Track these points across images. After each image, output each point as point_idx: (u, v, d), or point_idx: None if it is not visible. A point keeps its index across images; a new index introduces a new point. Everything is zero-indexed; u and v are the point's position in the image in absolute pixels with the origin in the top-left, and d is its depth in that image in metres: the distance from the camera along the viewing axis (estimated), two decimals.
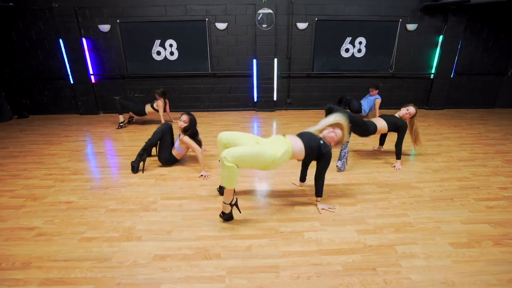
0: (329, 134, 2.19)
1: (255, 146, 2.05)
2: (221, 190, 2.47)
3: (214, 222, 2.08)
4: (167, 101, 4.99)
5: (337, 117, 2.21)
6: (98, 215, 2.18)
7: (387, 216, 2.16)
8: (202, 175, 2.85)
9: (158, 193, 2.51)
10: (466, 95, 6.42)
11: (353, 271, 1.61)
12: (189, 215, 2.18)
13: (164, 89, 4.94)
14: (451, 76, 6.14)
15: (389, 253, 1.76)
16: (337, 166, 2.97)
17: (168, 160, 3.10)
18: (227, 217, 2.05)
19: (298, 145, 2.10)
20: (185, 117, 2.91)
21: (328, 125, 2.22)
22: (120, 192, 2.56)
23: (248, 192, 2.54)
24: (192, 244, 1.84)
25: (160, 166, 3.11)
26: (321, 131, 2.24)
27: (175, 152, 3.10)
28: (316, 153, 2.13)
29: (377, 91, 5.13)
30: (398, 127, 3.14)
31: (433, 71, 6.10)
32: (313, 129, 2.25)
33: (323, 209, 2.23)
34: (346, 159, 3.01)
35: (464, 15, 5.61)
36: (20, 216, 2.17)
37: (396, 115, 3.23)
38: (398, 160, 3.11)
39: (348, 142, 2.96)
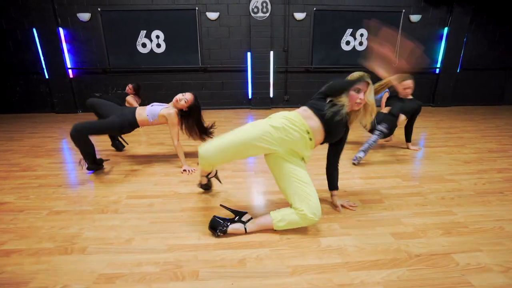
0: (356, 100, 1.43)
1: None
2: (202, 186, 1.89)
3: (194, 226, 1.51)
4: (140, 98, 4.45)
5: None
6: (34, 220, 1.58)
7: (428, 215, 1.62)
8: (185, 170, 2.29)
9: (125, 191, 1.93)
10: (472, 92, 6.04)
11: None
12: (161, 217, 1.60)
13: (139, 84, 4.41)
14: (457, 71, 5.77)
15: (447, 265, 1.21)
16: (359, 157, 2.41)
17: (124, 126, 2.28)
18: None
19: (316, 126, 1.43)
20: (189, 96, 2.28)
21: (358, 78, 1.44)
22: (75, 190, 1.97)
23: (242, 188, 1.98)
24: (159, 257, 1.25)
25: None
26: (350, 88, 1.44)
27: (141, 115, 2.32)
28: (340, 132, 1.50)
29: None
30: (417, 108, 2.74)
31: (438, 65, 5.73)
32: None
33: (342, 205, 1.68)
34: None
35: (470, 5, 5.30)
36: None
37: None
38: (408, 143, 2.92)
39: (382, 132, 2.47)
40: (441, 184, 2.06)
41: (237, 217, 1.45)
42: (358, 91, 1.44)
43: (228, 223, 1.40)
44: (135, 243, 1.36)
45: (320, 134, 1.45)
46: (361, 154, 2.42)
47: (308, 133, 1.41)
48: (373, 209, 1.69)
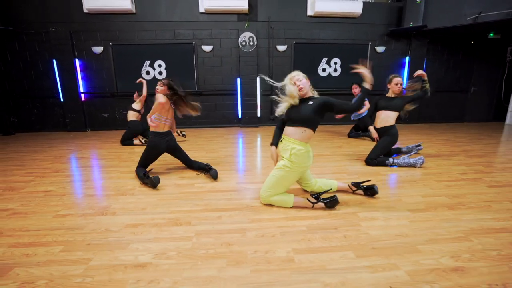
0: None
1: None
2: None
3: (190, 201, 2.16)
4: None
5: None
6: (75, 199, 2.22)
7: (354, 195, 2.29)
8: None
9: (137, 183, 2.58)
10: (437, 111, 6.90)
11: (316, 230, 1.71)
12: (165, 197, 2.25)
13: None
14: None
15: (351, 218, 1.87)
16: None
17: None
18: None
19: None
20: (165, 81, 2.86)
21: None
22: (100, 183, 2.62)
23: (227, 180, 2.65)
24: (165, 216, 1.90)
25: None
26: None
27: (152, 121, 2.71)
28: None
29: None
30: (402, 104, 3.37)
31: (404, 87, 6.62)
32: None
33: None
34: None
35: (425, 39, 6.30)
36: None
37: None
38: None
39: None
40: (375, 177, 2.74)
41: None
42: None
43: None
44: (148, 210, 2.01)
45: None
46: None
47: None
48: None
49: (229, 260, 1.41)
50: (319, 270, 1.33)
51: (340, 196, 2.21)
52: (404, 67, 6.54)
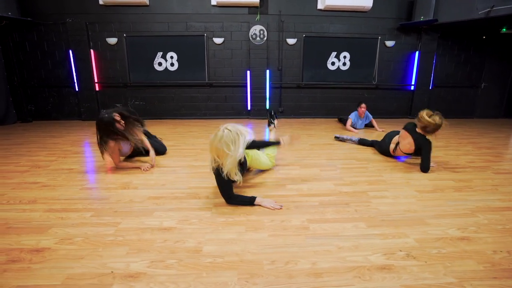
0: None
1: None
2: None
3: (205, 179, 2.27)
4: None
5: None
6: (98, 176, 2.36)
7: (363, 176, 2.37)
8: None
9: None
10: (446, 106, 6.87)
11: (328, 205, 1.80)
12: (182, 175, 2.37)
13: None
14: (430, 88, 6.65)
15: (362, 196, 1.96)
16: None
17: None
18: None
19: None
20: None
21: None
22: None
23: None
24: (184, 190, 2.02)
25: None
26: None
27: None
28: None
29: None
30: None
31: (413, 82, 6.62)
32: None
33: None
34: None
35: (436, 33, 6.27)
36: (25, 176, 2.34)
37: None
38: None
39: None
40: (384, 163, 2.81)
41: None
42: None
43: None
44: (167, 186, 2.13)
45: None
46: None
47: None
48: (327, 174, 2.44)
49: (247, 227, 1.51)
50: (333, 236, 1.43)
51: (350, 178, 2.30)
52: (413, 62, 6.52)
